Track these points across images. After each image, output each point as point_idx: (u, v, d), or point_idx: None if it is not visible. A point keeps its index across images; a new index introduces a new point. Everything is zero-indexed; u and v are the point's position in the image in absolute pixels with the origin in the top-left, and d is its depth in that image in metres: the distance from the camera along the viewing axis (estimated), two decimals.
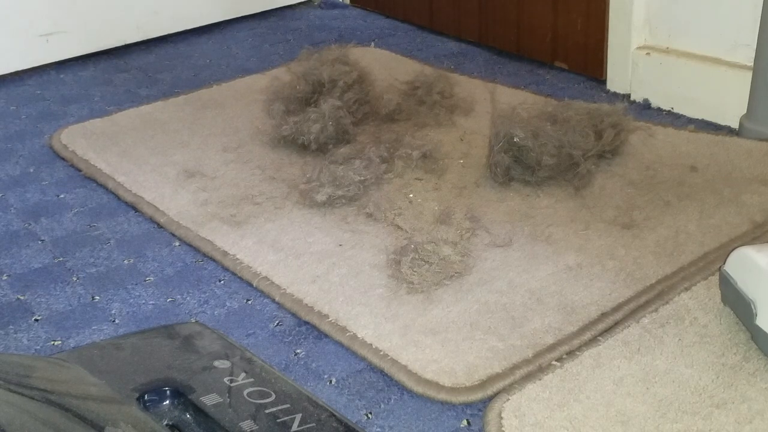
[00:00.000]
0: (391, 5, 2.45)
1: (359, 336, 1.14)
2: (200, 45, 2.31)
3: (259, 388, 0.89)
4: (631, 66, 1.83)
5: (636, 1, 1.79)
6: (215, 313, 1.23)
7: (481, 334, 1.13)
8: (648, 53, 1.80)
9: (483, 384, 1.04)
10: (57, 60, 2.20)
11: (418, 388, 1.04)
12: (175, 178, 1.58)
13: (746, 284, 1.07)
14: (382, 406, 1.04)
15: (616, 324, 1.14)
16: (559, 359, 1.08)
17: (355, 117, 1.68)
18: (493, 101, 1.78)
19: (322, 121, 1.60)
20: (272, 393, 0.88)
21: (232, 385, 0.89)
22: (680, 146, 1.59)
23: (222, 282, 1.30)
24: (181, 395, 0.86)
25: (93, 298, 1.28)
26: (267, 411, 0.85)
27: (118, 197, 1.55)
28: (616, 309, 1.17)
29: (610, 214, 1.38)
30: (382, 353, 1.10)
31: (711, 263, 1.24)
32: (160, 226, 1.45)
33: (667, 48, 1.79)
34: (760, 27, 1.56)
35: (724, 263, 1.12)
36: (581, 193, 1.45)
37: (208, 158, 1.65)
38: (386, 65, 2.04)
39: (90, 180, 1.62)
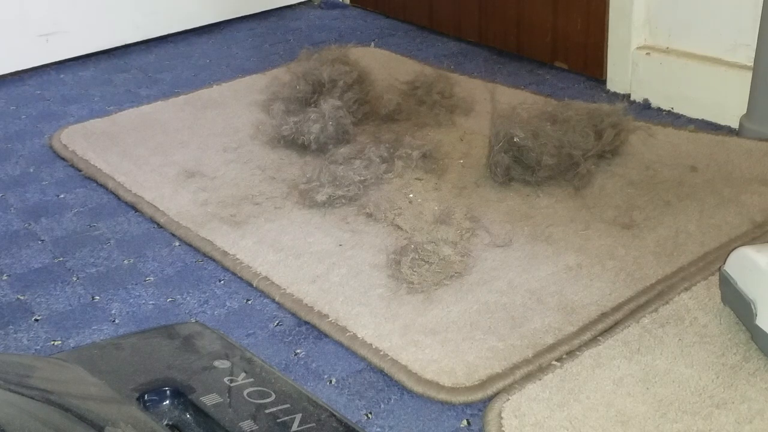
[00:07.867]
0: (391, 5, 2.45)
1: (359, 336, 1.14)
2: (200, 45, 2.31)
3: (259, 388, 0.89)
4: (631, 66, 1.83)
5: (636, 1, 1.79)
6: (215, 313, 1.23)
7: (481, 334, 1.13)
8: (648, 53, 1.80)
9: (483, 384, 1.04)
10: (57, 60, 2.20)
11: (418, 388, 1.04)
12: (175, 178, 1.58)
13: (746, 284, 1.07)
14: (382, 406, 1.04)
15: (616, 324, 1.14)
16: (559, 359, 1.08)
17: (355, 117, 1.68)
18: (493, 101, 1.78)
19: (322, 121, 1.60)
20: (272, 393, 0.88)
21: (232, 385, 0.89)
22: (680, 146, 1.59)
23: (222, 282, 1.30)
24: (181, 395, 0.86)
25: (93, 298, 1.28)
26: (267, 411, 0.85)
27: (118, 197, 1.55)
28: (616, 309, 1.17)
29: (610, 214, 1.38)
30: (382, 353, 1.10)
31: (711, 263, 1.24)
32: (160, 226, 1.45)
33: (667, 48, 1.79)
34: (760, 27, 1.56)
35: (724, 263, 1.12)
36: (581, 193, 1.45)
37: (208, 158, 1.65)
38: (386, 65, 2.04)
39: (90, 180, 1.62)
